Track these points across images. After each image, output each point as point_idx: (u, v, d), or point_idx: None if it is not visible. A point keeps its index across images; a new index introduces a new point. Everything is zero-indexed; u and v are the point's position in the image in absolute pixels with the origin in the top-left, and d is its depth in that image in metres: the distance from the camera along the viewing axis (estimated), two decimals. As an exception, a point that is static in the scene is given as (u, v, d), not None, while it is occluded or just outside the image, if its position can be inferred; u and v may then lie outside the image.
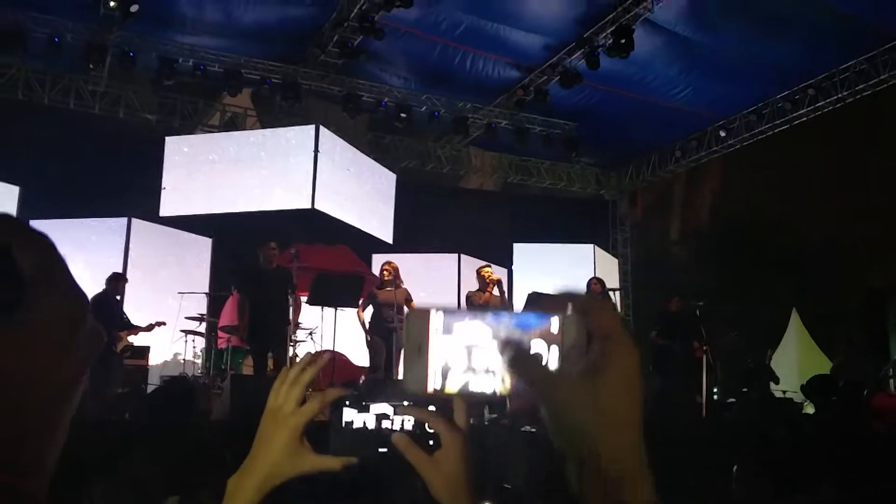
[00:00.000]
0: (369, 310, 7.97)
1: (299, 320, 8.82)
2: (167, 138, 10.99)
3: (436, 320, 0.62)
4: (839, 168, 10.47)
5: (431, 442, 0.96)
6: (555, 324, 0.62)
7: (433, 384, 0.62)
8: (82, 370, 0.53)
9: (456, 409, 0.97)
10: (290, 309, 7.52)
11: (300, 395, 1.02)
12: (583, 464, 0.59)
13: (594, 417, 0.58)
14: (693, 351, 8.20)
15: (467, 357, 0.62)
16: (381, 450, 0.97)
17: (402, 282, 7.83)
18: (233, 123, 12.32)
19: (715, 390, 9.11)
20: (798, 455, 4.11)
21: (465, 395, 0.64)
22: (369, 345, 7.70)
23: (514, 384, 0.62)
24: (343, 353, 9.56)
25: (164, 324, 8.56)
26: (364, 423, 0.99)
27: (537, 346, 0.62)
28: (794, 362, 10.65)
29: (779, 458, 4.01)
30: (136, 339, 8.66)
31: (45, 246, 0.53)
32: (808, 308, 11.10)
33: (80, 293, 0.54)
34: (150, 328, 8.39)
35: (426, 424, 0.96)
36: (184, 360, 9.28)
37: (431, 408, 0.97)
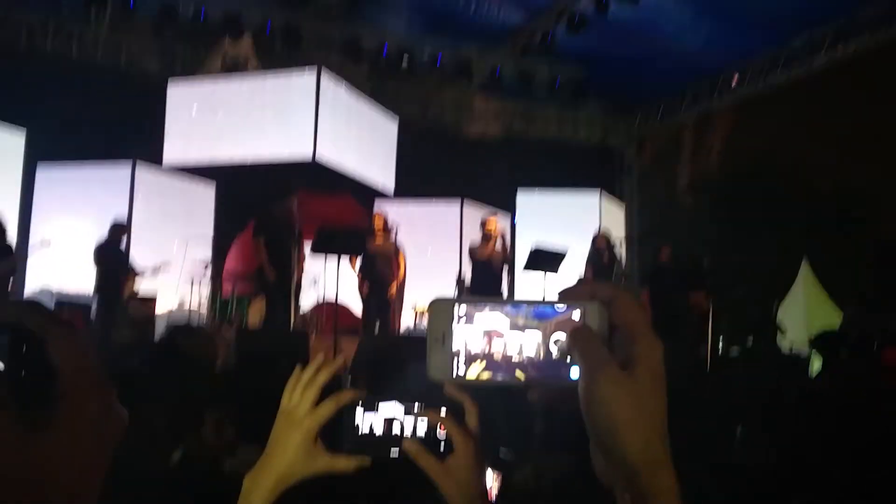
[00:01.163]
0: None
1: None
2: (170, 82, 10.87)
3: (458, 310, 0.64)
4: (855, 117, 10.24)
5: (443, 446, 0.96)
6: (576, 314, 0.62)
7: (456, 371, 0.63)
8: (108, 454, 0.55)
9: (468, 411, 0.97)
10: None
11: (314, 397, 1.03)
12: (612, 459, 0.59)
13: (626, 412, 0.58)
14: (695, 303, 8.13)
15: (487, 345, 0.63)
16: (393, 450, 0.98)
17: (390, 232, 7.77)
18: (234, 69, 12.09)
19: (720, 343, 9.08)
20: (804, 417, 4.07)
21: (485, 385, 0.64)
22: (361, 295, 7.68)
23: (537, 374, 0.63)
24: (345, 303, 9.60)
25: (169, 263, 8.59)
26: (373, 424, 0.99)
27: (558, 336, 0.62)
28: (803, 314, 10.57)
29: (784, 421, 3.98)
30: (143, 287, 8.66)
31: (74, 335, 0.54)
32: (819, 259, 10.99)
33: (108, 382, 0.56)
34: (156, 270, 8.43)
35: (437, 428, 0.96)
36: (189, 307, 9.29)
37: (443, 410, 0.96)
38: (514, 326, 0.63)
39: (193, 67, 11.94)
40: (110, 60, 11.38)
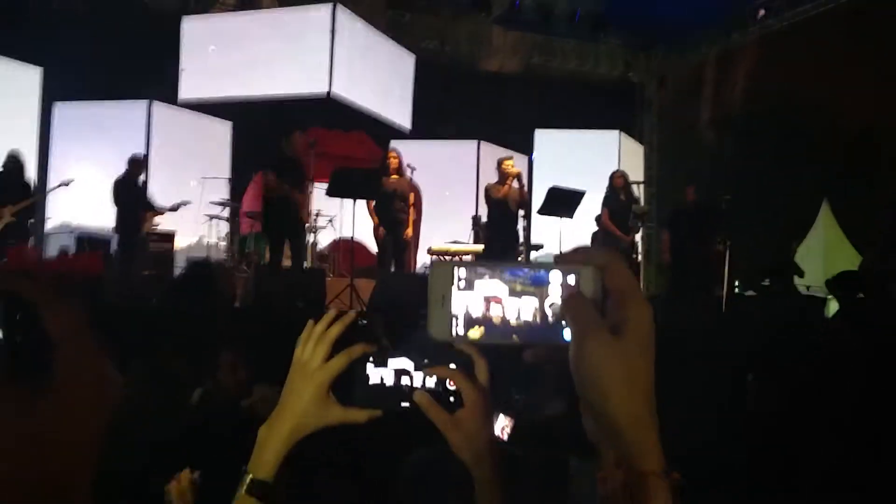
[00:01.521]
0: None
1: (318, 208, 8.84)
2: (184, 18, 10.73)
3: (458, 273, 0.66)
4: (882, 53, 9.95)
5: (452, 399, 0.97)
6: (571, 279, 0.65)
7: (455, 331, 0.66)
8: (106, 422, 0.57)
9: (477, 366, 0.98)
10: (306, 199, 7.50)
11: (326, 351, 1.05)
12: (599, 418, 0.61)
13: (613, 374, 0.60)
14: (714, 244, 8.08)
15: (486, 309, 0.65)
16: (402, 404, 1.00)
17: (405, 171, 7.71)
18: (249, 2, 11.90)
19: (736, 283, 9.07)
20: (816, 365, 4.08)
21: (482, 344, 0.67)
22: (376, 237, 7.66)
23: (532, 336, 0.65)
24: (361, 240, 9.65)
25: (188, 203, 8.63)
26: (383, 378, 1.01)
27: (553, 300, 0.65)
28: (821, 256, 10.49)
29: (795, 370, 3.99)
30: (162, 223, 8.72)
31: (67, 304, 0.56)
32: (839, 199, 10.84)
33: (101, 349, 0.57)
34: (175, 208, 8.47)
35: (447, 381, 0.98)
36: (208, 243, 9.39)
37: (452, 365, 0.97)
38: (512, 292, 0.65)
39: (208, 2, 11.76)
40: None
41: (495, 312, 0.65)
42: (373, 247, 9.46)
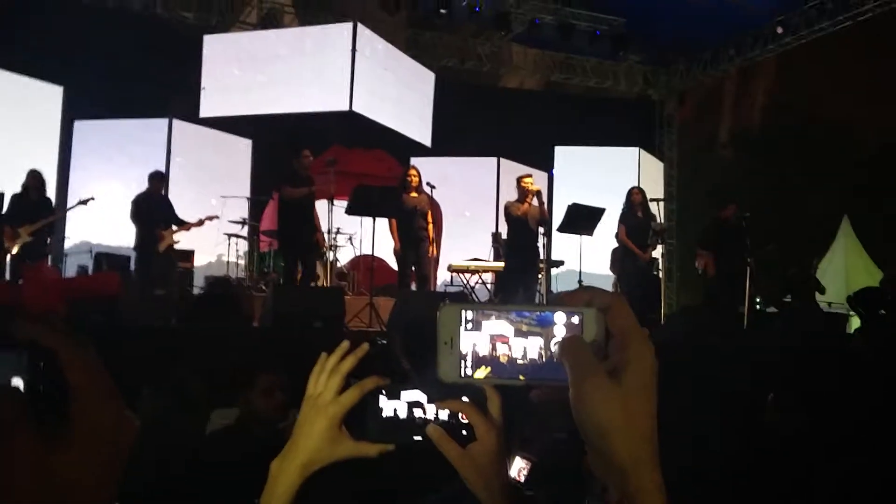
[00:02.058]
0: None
1: (338, 226, 8.88)
2: (205, 37, 10.86)
3: (466, 315, 0.68)
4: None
5: (465, 433, 0.96)
6: (576, 319, 0.66)
7: (463, 372, 0.68)
8: (122, 463, 0.58)
9: (490, 401, 0.97)
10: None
11: (339, 384, 1.05)
12: (601, 459, 0.62)
13: (612, 417, 0.60)
14: (741, 261, 8.03)
15: (492, 349, 0.67)
16: (415, 438, 1.00)
17: (429, 188, 7.72)
18: (270, 19, 12.04)
19: (758, 300, 8.99)
20: (838, 383, 4.04)
21: (489, 382, 0.69)
22: (397, 255, 7.66)
23: (538, 376, 0.67)
24: (382, 257, 9.66)
25: (215, 217, 8.60)
26: (396, 410, 1.01)
27: (558, 340, 0.66)
28: (842, 272, 10.42)
29: (817, 388, 3.94)
30: (183, 240, 8.74)
31: (86, 349, 0.56)
32: (860, 216, 10.76)
33: (117, 393, 0.58)
34: (200, 223, 8.43)
35: (460, 415, 0.97)
36: (227, 261, 9.44)
37: (465, 399, 0.97)
38: (518, 333, 0.67)
39: (229, 17, 11.92)
40: (146, 11, 11.35)
41: (502, 352, 0.67)
42: (393, 264, 9.49)
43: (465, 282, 9.11)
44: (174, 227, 8.24)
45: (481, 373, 0.67)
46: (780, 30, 11.92)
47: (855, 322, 8.11)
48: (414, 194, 7.60)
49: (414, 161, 10.73)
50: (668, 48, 13.47)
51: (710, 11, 11.50)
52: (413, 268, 7.59)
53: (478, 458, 0.95)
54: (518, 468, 2.15)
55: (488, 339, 0.67)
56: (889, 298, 7.80)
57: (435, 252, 7.90)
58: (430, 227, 7.65)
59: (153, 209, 8.14)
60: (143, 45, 10.29)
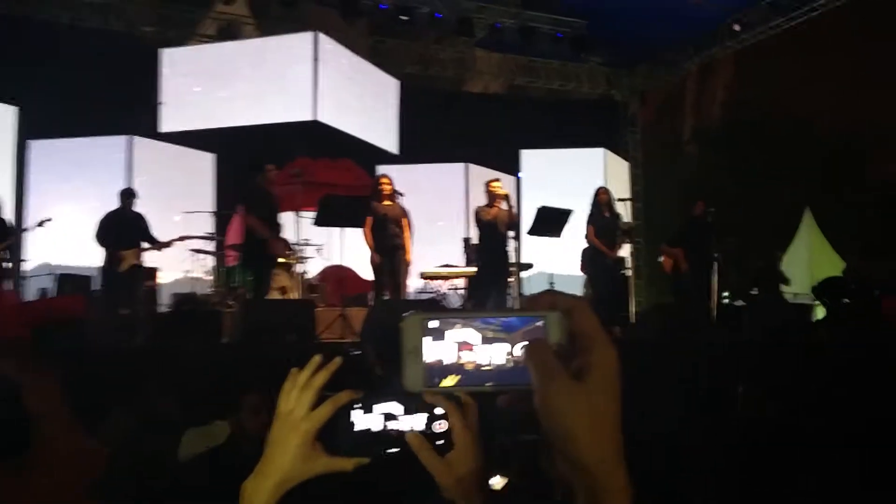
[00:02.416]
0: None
1: (306, 237, 8.83)
2: (162, 51, 10.74)
3: (429, 325, 0.68)
4: (857, 63, 10.10)
5: (441, 442, 0.96)
6: (540, 324, 0.66)
7: (428, 382, 0.68)
8: (86, 488, 0.58)
9: (466, 407, 0.96)
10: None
11: (312, 400, 1.02)
12: (567, 462, 0.62)
13: (577, 420, 0.61)
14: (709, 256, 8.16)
15: (457, 356, 0.67)
16: (390, 450, 0.98)
17: (397, 196, 7.69)
18: (229, 32, 11.94)
19: (725, 294, 9.10)
20: (804, 376, 4.10)
21: (455, 390, 0.69)
22: (373, 264, 7.62)
23: (504, 381, 0.67)
24: (351, 267, 9.61)
25: (187, 238, 8.42)
26: (371, 423, 1.00)
27: (523, 345, 0.66)
28: (806, 263, 10.61)
29: (785, 381, 4.00)
30: (146, 258, 8.55)
31: (47, 380, 0.54)
32: (821, 208, 10.96)
33: (78, 422, 0.55)
34: (169, 244, 8.21)
35: (434, 425, 0.96)
36: (193, 277, 9.31)
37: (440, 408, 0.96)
38: (483, 339, 0.67)
39: (187, 30, 11.80)
40: (100, 26, 11.18)
41: (468, 359, 0.67)
42: (363, 273, 9.44)
43: (438, 288, 9.10)
44: (146, 245, 8.02)
45: (449, 381, 0.67)
46: (737, 27, 12.11)
47: (820, 311, 8.25)
48: (387, 202, 7.56)
49: (381, 169, 10.72)
50: (629, 49, 13.61)
51: (669, 11, 11.65)
52: (389, 276, 7.52)
53: (456, 467, 0.94)
54: (494, 485, 2.14)
55: (454, 347, 0.67)
56: (852, 287, 7.95)
57: (409, 259, 7.88)
58: (406, 234, 7.63)
59: (124, 227, 7.91)
60: (98, 60, 10.14)
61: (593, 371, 0.62)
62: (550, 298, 0.67)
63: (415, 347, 0.68)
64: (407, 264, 7.73)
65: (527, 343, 0.66)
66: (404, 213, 7.69)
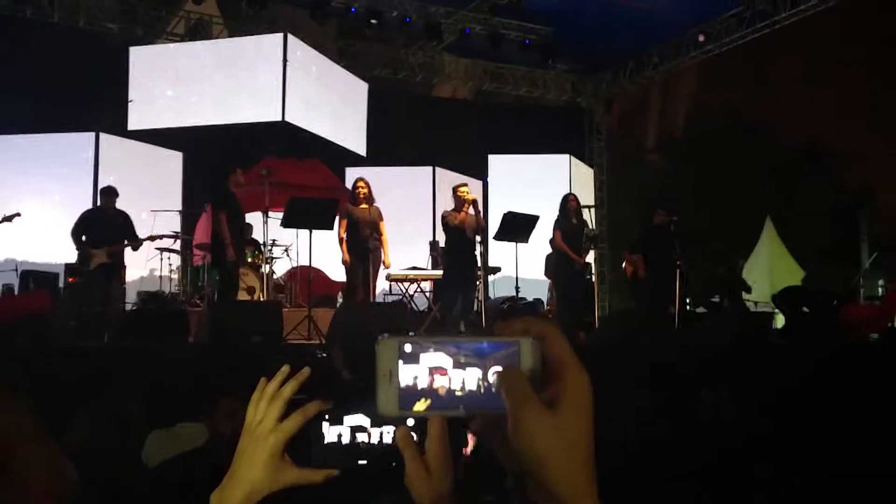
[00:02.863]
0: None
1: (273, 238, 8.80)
2: (131, 49, 10.63)
3: (404, 348, 0.68)
4: (815, 74, 10.38)
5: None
6: (513, 349, 0.66)
7: (403, 406, 0.67)
8: None
9: (431, 423, 0.92)
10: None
11: (281, 411, 1.01)
12: (539, 488, 0.62)
13: (549, 446, 0.61)
14: (671, 264, 8.30)
15: (430, 381, 0.67)
16: (359, 462, 0.99)
17: (374, 199, 7.71)
18: (197, 31, 11.85)
19: (687, 301, 9.26)
20: (765, 379, 4.21)
21: (427, 414, 0.69)
22: (346, 266, 7.62)
23: (477, 406, 0.67)
24: (320, 268, 9.58)
25: (157, 237, 8.25)
26: (340, 435, 1.00)
27: (496, 370, 0.66)
28: (767, 271, 10.81)
29: (746, 384, 4.10)
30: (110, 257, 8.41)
31: (17, 397, 0.57)
32: (781, 216, 11.20)
33: (52, 443, 0.58)
34: (141, 242, 8.03)
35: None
36: (160, 276, 9.22)
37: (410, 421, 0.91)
38: (456, 364, 0.67)
39: (156, 28, 11.69)
40: (68, 23, 11.01)
41: (440, 384, 0.67)
42: (332, 274, 9.42)
43: (405, 291, 9.12)
44: (125, 242, 7.83)
45: (420, 405, 0.67)
46: (701, 38, 12.35)
47: (780, 320, 8.44)
48: (364, 206, 7.56)
49: (350, 171, 10.72)
50: (594, 56, 13.79)
51: (634, 20, 11.85)
52: (363, 280, 7.51)
53: (428, 473, 0.92)
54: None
55: (427, 372, 0.67)
56: (811, 296, 8.15)
57: (388, 263, 7.87)
58: (384, 238, 7.64)
59: (106, 225, 7.74)
60: (66, 57, 9.99)
61: (565, 398, 0.62)
62: (523, 324, 0.67)
63: (389, 371, 0.67)
64: (386, 267, 7.77)
65: (500, 369, 0.66)
66: (380, 217, 7.70)
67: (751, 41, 11.86)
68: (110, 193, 7.88)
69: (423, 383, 0.67)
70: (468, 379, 0.67)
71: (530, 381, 0.64)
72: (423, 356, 0.68)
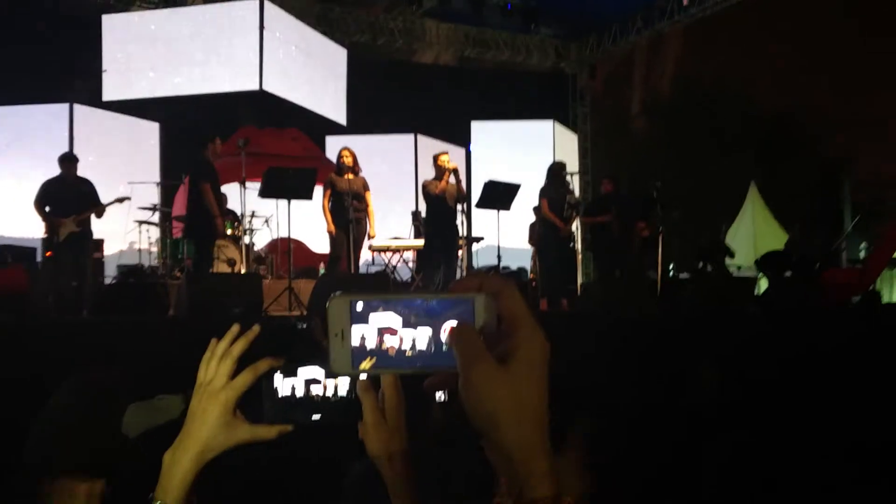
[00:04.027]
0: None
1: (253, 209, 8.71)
2: (104, 17, 10.40)
3: (355, 307, 0.67)
4: (801, 39, 10.31)
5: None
6: (467, 306, 0.65)
7: (355, 364, 0.67)
8: None
9: (383, 379, 0.98)
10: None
11: (231, 369, 1.02)
12: (491, 446, 0.62)
13: (500, 404, 0.60)
14: (638, 230, 8.33)
15: (379, 341, 0.67)
16: (314, 417, 1.00)
17: (359, 168, 7.61)
18: (172, -2, 11.59)
19: (670, 267, 9.27)
20: (745, 349, 4.20)
21: (378, 372, 0.68)
22: (330, 236, 7.54)
23: (428, 365, 0.66)
24: (300, 239, 9.51)
25: (126, 199, 8.09)
26: (294, 389, 1.01)
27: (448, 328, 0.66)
28: (751, 236, 10.84)
29: (727, 354, 4.09)
30: (97, 229, 8.24)
31: None
32: (766, 181, 11.21)
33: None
34: (117, 201, 7.86)
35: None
36: (139, 249, 9.12)
37: (363, 376, 0.96)
38: (406, 323, 0.66)
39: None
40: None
41: (390, 344, 0.66)
42: (313, 246, 9.34)
43: (387, 261, 9.07)
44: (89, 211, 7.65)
45: (367, 363, 0.67)
46: (685, 1, 12.22)
47: (763, 284, 8.47)
48: (349, 175, 7.46)
49: (329, 139, 10.58)
50: (578, 20, 13.63)
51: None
52: (349, 251, 7.42)
53: (384, 424, 0.97)
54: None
55: (375, 332, 0.67)
56: (794, 260, 8.18)
57: (373, 233, 7.79)
58: (370, 210, 7.55)
59: (67, 194, 7.54)
60: (37, 26, 9.76)
61: (518, 355, 0.61)
62: (478, 280, 0.66)
63: (341, 330, 0.67)
64: (370, 238, 7.71)
65: (452, 325, 0.65)
66: (366, 187, 7.60)
67: (736, 4, 11.74)
68: (70, 160, 7.65)
69: (371, 343, 0.67)
70: (419, 338, 0.66)
71: (484, 337, 0.63)
72: (372, 315, 0.67)
